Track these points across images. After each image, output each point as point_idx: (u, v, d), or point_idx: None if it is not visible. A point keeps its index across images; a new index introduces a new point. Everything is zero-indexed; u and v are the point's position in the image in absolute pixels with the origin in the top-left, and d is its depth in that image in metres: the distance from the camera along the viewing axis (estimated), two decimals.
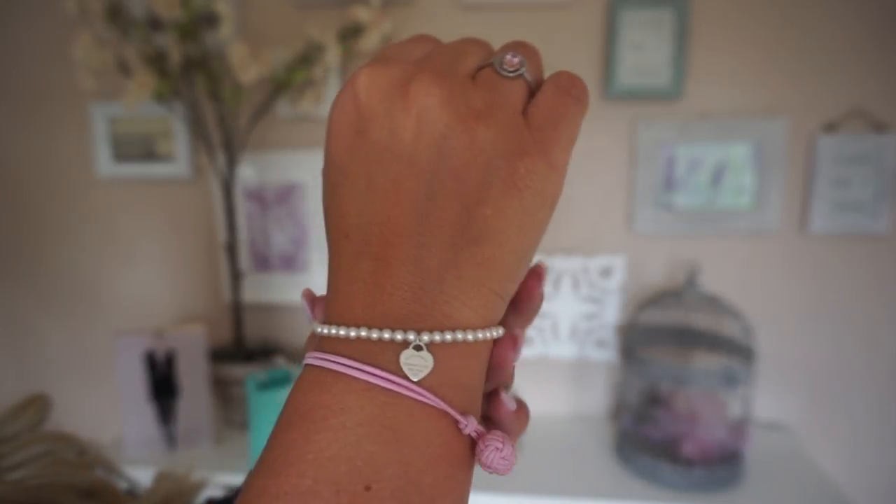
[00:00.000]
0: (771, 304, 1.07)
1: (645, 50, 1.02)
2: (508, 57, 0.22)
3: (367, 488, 0.17)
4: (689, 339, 0.98)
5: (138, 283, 1.21)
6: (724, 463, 0.91)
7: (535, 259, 0.23)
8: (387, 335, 0.19)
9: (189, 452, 1.01)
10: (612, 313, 1.11)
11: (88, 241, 1.21)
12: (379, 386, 0.18)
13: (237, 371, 1.03)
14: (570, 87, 0.22)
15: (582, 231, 1.10)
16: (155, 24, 0.95)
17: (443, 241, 0.20)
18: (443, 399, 0.19)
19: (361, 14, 0.98)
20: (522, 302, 0.24)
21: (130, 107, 0.94)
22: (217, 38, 0.96)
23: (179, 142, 1.13)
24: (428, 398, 0.19)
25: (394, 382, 0.18)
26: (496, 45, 0.25)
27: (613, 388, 1.14)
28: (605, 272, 1.10)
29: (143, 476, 0.37)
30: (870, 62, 1.00)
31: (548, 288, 1.11)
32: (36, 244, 1.23)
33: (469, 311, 0.20)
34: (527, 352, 1.13)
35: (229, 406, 1.08)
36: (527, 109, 0.21)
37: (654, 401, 1.01)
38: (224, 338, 1.17)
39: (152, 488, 0.34)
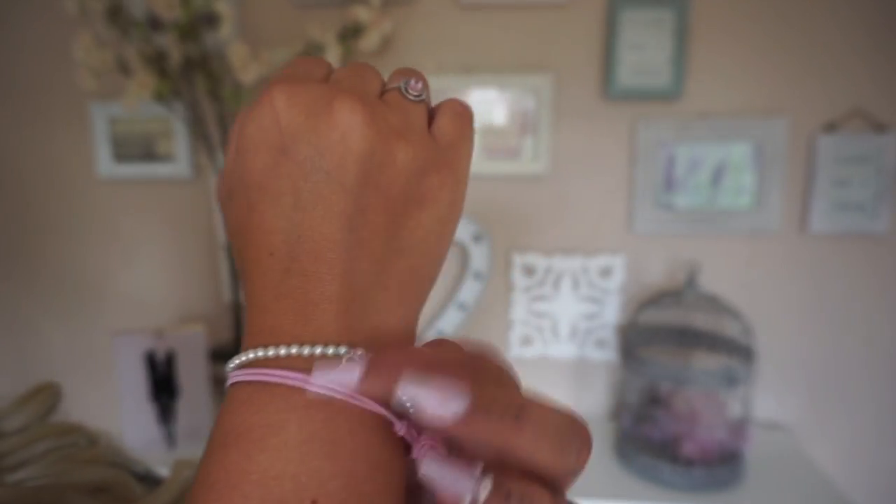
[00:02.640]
0: (771, 304, 1.07)
1: (645, 50, 1.02)
2: (413, 82, 0.23)
3: (314, 502, 0.17)
4: (688, 339, 0.98)
5: (138, 283, 1.21)
6: (724, 463, 0.91)
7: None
8: (318, 350, 0.19)
9: (189, 452, 1.01)
10: (611, 313, 1.11)
11: (88, 241, 1.21)
12: (319, 402, 0.18)
13: None
14: (464, 111, 0.24)
15: (582, 231, 1.10)
16: (155, 24, 0.95)
17: (372, 253, 0.20)
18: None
19: (361, 14, 0.98)
20: None
21: (130, 107, 0.94)
22: (217, 38, 0.96)
23: (179, 142, 1.13)
24: (369, 405, 0.19)
25: (338, 392, 0.18)
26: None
27: (613, 388, 1.14)
28: (605, 272, 1.10)
29: None
30: (870, 62, 1.00)
31: (548, 288, 1.11)
32: (36, 244, 1.23)
33: (396, 320, 0.21)
34: (527, 352, 1.14)
35: None
36: (431, 130, 0.23)
37: (653, 401, 1.01)
38: (224, 338, 1.17)
39: (171, 476, 0.33)
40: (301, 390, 0.18)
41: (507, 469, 0.17)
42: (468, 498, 0.16)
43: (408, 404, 0.17)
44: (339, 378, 0.19)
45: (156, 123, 1.13)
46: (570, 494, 0.20)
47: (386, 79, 0.25)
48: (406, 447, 0.20)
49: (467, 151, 0.24)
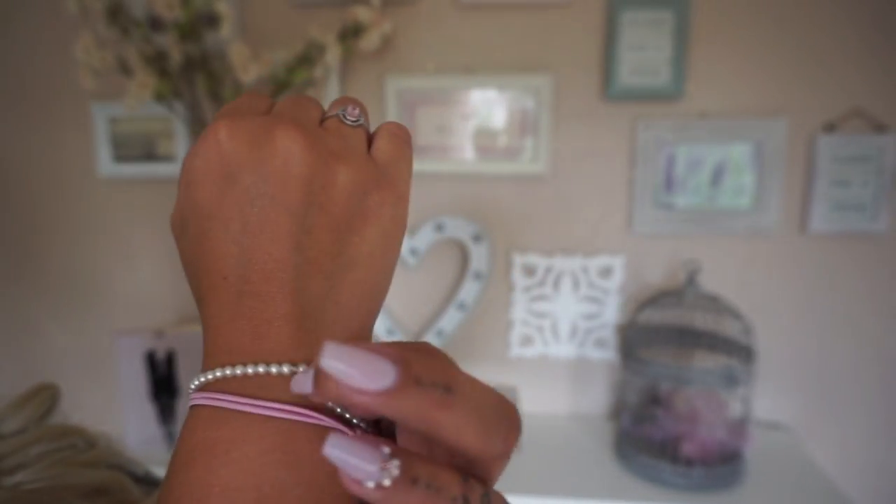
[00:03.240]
0: (771, 305, 1.07)
1: (645, 50, 1.02)
2: (350, 109, 0.25)
3: None
4: (688, 339, 0.98)
5: (139, 282, 1.21)
6: (724, 463, 0.92)
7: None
8: (274, 369, 0.20)
9: None
10: (611, 313, 1.11)
11: (89, 241, 1.21)
12: (277, 416, 0.19)
13: None
14: (400, 132, 0.26)
15: (582, 231, 1.10)
16: (155, 24, 0.95)
17: (320, 270, 0.21)
18: (333, 414, 0.20)
19: (361, 14, 0.98)
20: None
21: (131, 107, 0.94)
22: (217, 38, 0.97)
23: (180, 142, 1.13)
24: (325, 421, 0.19)
25: (293, 412, 0.19)
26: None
27: (613, 388, 1.14)
28: (605, 272, 1.10)
29: None
30: (870, 62, 1.00)
31: (548, 288, 1.11)
32: (37, 244, 1.23)
33: (350, 333, 0.22)
34: (527, 352, 1.14)
35: None
36: (370, 152, 0.24)
37: (653, 401, 1.01)
38: None
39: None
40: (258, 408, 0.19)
41: (431, 452, 0.17)
42: (372, 482, 0.15)
43: (333, 382, 0.15)
44: (305, 383, 0.18)
45: (156, 123, 1.13)
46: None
47: (327, 108, 0.26)
48: None
49: (406, 170, 0.25)
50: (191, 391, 0.21)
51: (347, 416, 0.20)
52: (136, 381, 1.01)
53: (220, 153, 0.22)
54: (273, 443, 0.19)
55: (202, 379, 0.20)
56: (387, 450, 0.15)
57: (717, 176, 1.05)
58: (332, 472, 0.18)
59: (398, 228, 0.24)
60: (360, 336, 0.22)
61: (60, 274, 1.23)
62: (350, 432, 0.18)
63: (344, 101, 0.25)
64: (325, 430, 0.19)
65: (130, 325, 1.21)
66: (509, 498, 0.21)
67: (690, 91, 1.04)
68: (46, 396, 0.34)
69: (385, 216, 0.23)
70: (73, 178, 1.19)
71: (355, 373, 0.14)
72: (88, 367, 1.24)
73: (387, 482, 0.15)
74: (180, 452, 0.20)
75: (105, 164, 1.16)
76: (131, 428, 1.02)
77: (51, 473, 0.30)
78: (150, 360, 1.01)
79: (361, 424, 0.20)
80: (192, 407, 0.21)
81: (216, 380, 0.20)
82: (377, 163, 0.24)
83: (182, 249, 0.23)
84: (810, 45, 1.01)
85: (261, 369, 0.20)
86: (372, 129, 0.26)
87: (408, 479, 0.15)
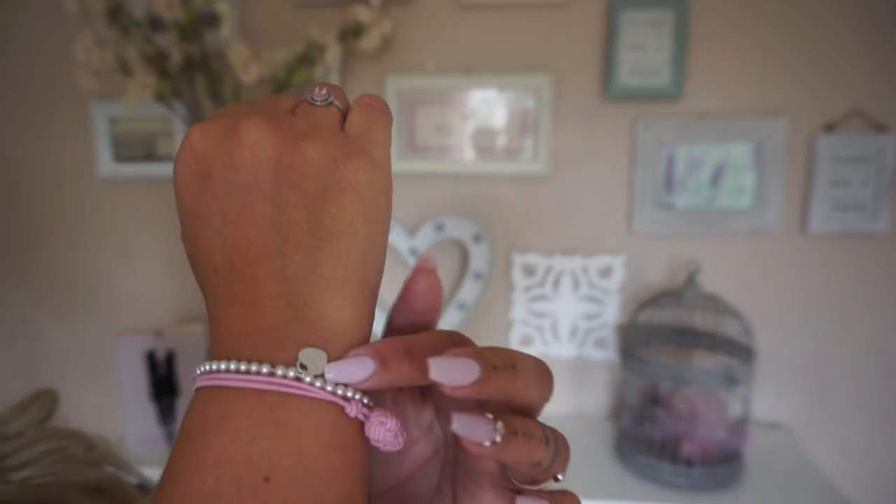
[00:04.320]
0: (771, 304, 1.07)
1: (645, 50, 1.02)
2: (316, 90, 0.25)
3: (266, 479, 0.19)
4: (688, 339, 0.98)
5: (138, 282, 1.21)
6: (724, 463, 0.92)
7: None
8: (279, 371, 0.20)
9: None
10: (611, 313, 1.11)
11: (89, 241, 1.21)
12: (266, 390, 0.20)
13: None
14: (373, 102, 0.26)
15: (582, 231, 1.10)
16: (155, 24, 0.95)
17: (301, 246, 0.22)
18: (324, 388, 0.21)
19: (361, 14, 0.98)
20: (407, 294, 0.26)
21: (131, 107, 0.94)
22: (217, 38, 0.97)
23: (180, 142, 1.13)
24: (313, 392, 0.20)
25: (282, 384, 0.20)
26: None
27: (613, 388, 1.14)
28: (605, 272, 1.10)
29: (144, 474, 0.37)
30: (870, 62, 1.00)
31: (548, 288, 1.11)
32: (37, 244, 1.23)
33: (338, 305, 0.22)
34: (527, 352, 1.13)
35: None
36: (343, 127, 0.25)
37: (653, 401, 1.01)
38: None
39: None
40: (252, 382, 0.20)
41: (502, 409, 0.21)
42: (489, 440, 0.19)
43: (437, 381, 0.19)
44: (351, 373, 0.21)
45: (156, 123, 1.13)
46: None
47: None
48: (362, 426, 0.22)
49: (381, 136, 0.25)
50: (194, 378, 0.22)
51: (340, 391, 0.21)
52: (136, 381, 1.01)
53: (194, 155, 0.23)
54: (262, 414, 0.20)
55: (205, 367, 0.21)
56: (490, 416, 0.20)
57: (717, 176, 1.05)
58: (324, 441, 0.20)
59: (377, 194, 0.24)
60: (351, 307, 0.22)
61: (60, 273, 1.23)
62: (349, 405, 0.21)
63: (313, 86, 0.26)
64: (316, 402, 0.20)
65: (130, 325, 1.21)
66: None
67: (690, 91, 1.04)
68: (47, 401, 0.35)
69: (361, 184, 0.23)
70: (73, 178, 1.19)
71: (457, 376, 0.19)
72: (88, 367, 1.24)
73: (498, 438, 0.19)
74: (181, 431, 0.21)
75: (105, 164, 1.16)
76: (131, 428, 1.02)
77: (55, 470, 0.30)
78: (150, 360, 1.01)
79: (357, 396, 0.21)
80: (196, 391, 0.22)
81: (218, 371, 0.21)
82: (350, 134, 0.24)
83: (186, 253, 0.25)
84: (810, 45, 1.01)
85: (264, 369, 0.20)
86: None
87: (510, 433, 0.20)
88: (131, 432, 1.02)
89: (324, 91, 0.25)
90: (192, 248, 0.24)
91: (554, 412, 1.15)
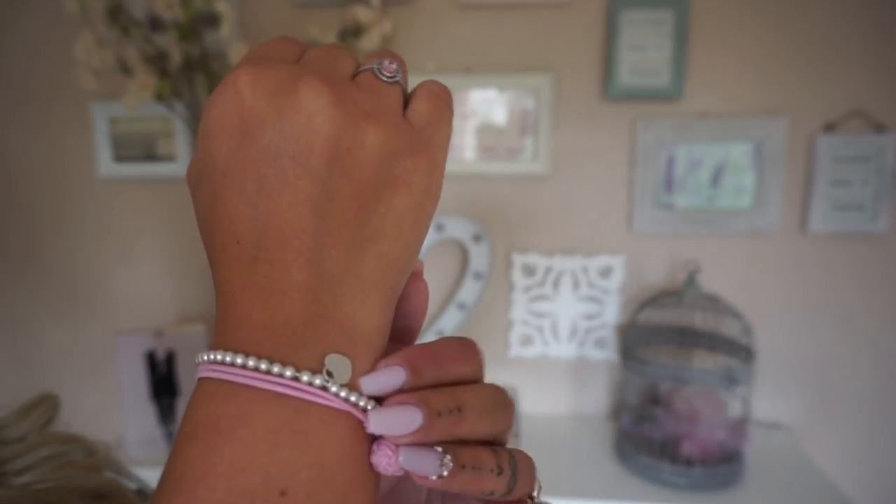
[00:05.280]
0: (771, 304, 1.07)
1: (645, 50, 1.02)
2: (387, 63, 0.22)
3: (283, 493, 0.17)
4: (688, 339, 0.98)
5: (138, 282, 1.21)
6: (724, 463, 0.92)
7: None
8: (289, 372, 0.18)
9: None
10: (611, 313, 1.11)
11: (89, 241, 1.21)
12: (288, 395, 0.18)
13: None
14: (441, 93, 0.23)
15: (582, 231, 1.10)
16: (155, 24, 0.95)
17: (342, 240, 0.20)
18: (348, 400, 0.19)
19: (361, 14, 0.98)
20: (409, 297, 0.24)
21: (131, 107, 0.94)
22: (217, 38, 0.96)
23: (180, 142, 1.13)
24: (337, 403, 0.19)
25: (306, 391, 0.18)
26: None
27: (613, 388, 1.14)
28: (605, 272, 1.10)
29: (144, 476, 0.37)
30: (870, 62, 1.00)
31: (548, 288, 1.11)
32: (36, 244, 1.23)
33: (368, 309, 0.20)
34: (527, 352, 1.14)
35: None
36: (406, 113, 0.22)
37: (653, 401, 1.01)
38: None
39: None
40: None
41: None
42: (435, 475, 0.19)
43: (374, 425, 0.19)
44: (385, 385, 0.19)
45: (156, 123, 1.13)
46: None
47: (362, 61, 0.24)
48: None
49: (444, 134, 0.23)
50: (199, 363, 0.20)
51: (353, 399, 0.19)
52: (136, 382, 1.01)
53: (238, 105, 0.20)
54: (283, 421, 0.18)
55: (211, 356, 0.19)
56: (440, 449, 0.19)
57: (717, 176, 1.05)
58: (344, 453, 0.19)
59: (430, 200, 0.22)
60: (378, 313, 0.21)
61: (60, 274, 1.23)
62: (364, 418, 0.19)
63: (381, 55, 0.23)
64: (336, 412, 0.19)
65: (130, 325, 1.21)
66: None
67: (690, 91, 1.04)
68: (48, 406, 0.34)
69: (416, 185, 0.21)
70: (73, 178, 1.19)
71: (398, 427, 0.19)
72: (88, 368, 1.24)
73: (445, 473, 0.19)
74: (185, 427, 0.18)
75: (105, 164, 1.16)
76: (131, 428, 1.02)
77: (56, 475, 0.30)
78: (150, 360, 1.01)
79: (370, 406, 0.19)
80: (200, 380, 0.19)
81: (225, 362, 0.19)
82: (412, 125, 0.22)
83: (196, 203, 0.22)
84: (810, 45, 1.01)
85: (275, 369, 0.18)
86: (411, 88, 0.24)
87: (458, 466, 0.19)
88: (131, 432, 1.02)
89: (394, 66, 0.22)
90: (209, 206, 0.21)
91: (554, 412, 1.15)
